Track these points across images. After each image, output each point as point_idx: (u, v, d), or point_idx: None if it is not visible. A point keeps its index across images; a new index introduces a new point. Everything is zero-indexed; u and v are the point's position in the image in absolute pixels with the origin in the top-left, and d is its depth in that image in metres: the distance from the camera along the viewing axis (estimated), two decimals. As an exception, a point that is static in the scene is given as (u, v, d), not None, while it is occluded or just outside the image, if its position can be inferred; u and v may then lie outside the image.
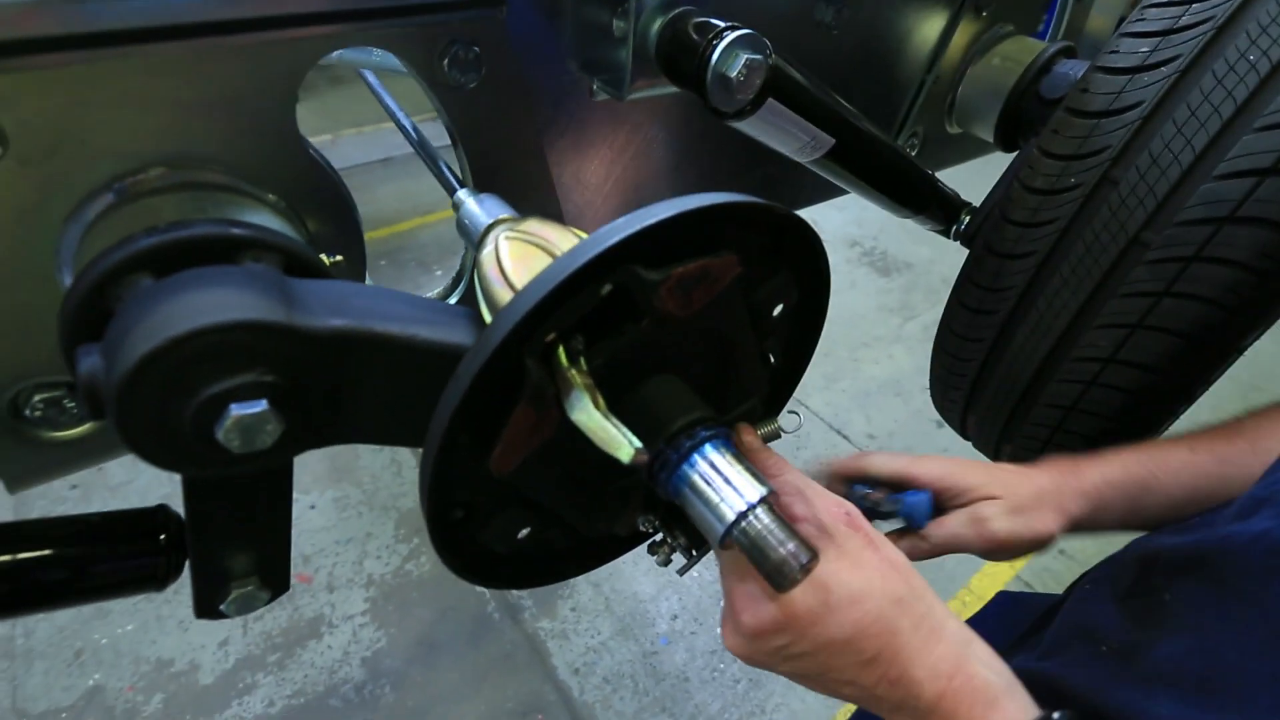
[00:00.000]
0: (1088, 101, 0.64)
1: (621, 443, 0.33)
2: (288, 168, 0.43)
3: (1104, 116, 0.63)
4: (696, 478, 0.38)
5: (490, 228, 0.42)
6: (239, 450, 0.33)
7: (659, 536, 0.51)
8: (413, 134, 0.55)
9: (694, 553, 0.49)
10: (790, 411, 0.56)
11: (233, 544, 0.42)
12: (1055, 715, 0.38)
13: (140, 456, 0.33)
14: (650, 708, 1.95)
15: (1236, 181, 0.56)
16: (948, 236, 0.87)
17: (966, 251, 0.81)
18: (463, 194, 0.46)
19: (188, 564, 0.44)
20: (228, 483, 0.39)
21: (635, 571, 2.29)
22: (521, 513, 0.44)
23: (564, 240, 0.39)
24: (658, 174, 0.69)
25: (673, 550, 0.51)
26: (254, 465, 0.36)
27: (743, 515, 0.36)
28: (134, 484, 2.42)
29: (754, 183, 0.82)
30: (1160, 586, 0.45)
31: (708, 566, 2.44)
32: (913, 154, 0.94)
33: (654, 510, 0.49)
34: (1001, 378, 0.78)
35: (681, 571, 0.50)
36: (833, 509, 0.40)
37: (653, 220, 0.33)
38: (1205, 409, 0.84)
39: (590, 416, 0.34)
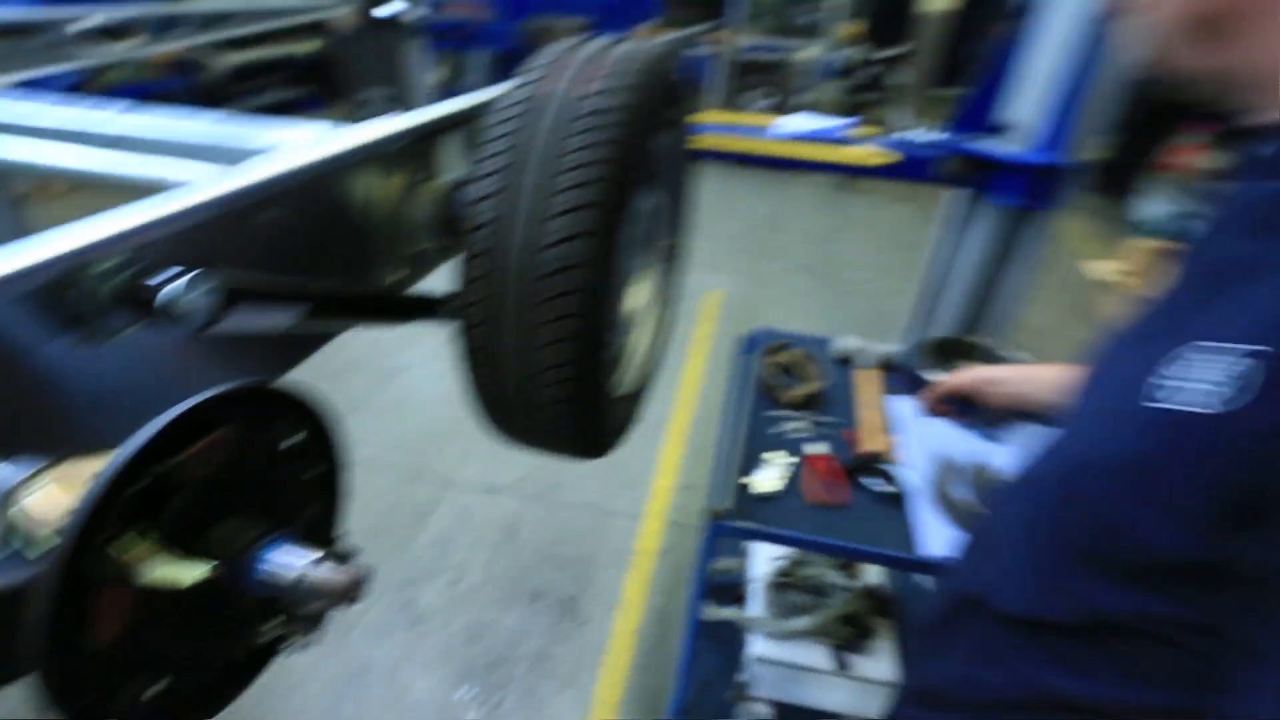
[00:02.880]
0: (472, 221, 0.99)
1: (192, 570, 0.48)
2: None
3: (482, 229, 0.99)
4: (270, 570, 0.56)
5: (14, 487, 0.51)
6: None
7: (283, 634, 0.66)
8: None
9: (314, 629, 0.65)
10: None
11: None
12: None
13: None
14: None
15: (550, 251, 0.96)
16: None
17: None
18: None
19: None
20: None
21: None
22: (152, 672, 0.54)
23: (86, 469, 0.51)
24: (179, 372, 0.81)
25: (301, 635, 0.66)
26: None
27: (300, 579, 0.55)
28: None
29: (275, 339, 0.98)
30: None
31: (431, 670, 2.45)
32: (403, 276, 1.21)
33: (271, 617, 0.64)
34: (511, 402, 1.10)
35: (311, 645, 0.66)
36: None
37: (134, 449, 0.48)
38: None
39: (162, 571, 0.48)
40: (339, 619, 2.59)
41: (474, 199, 1.01)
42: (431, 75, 9.03)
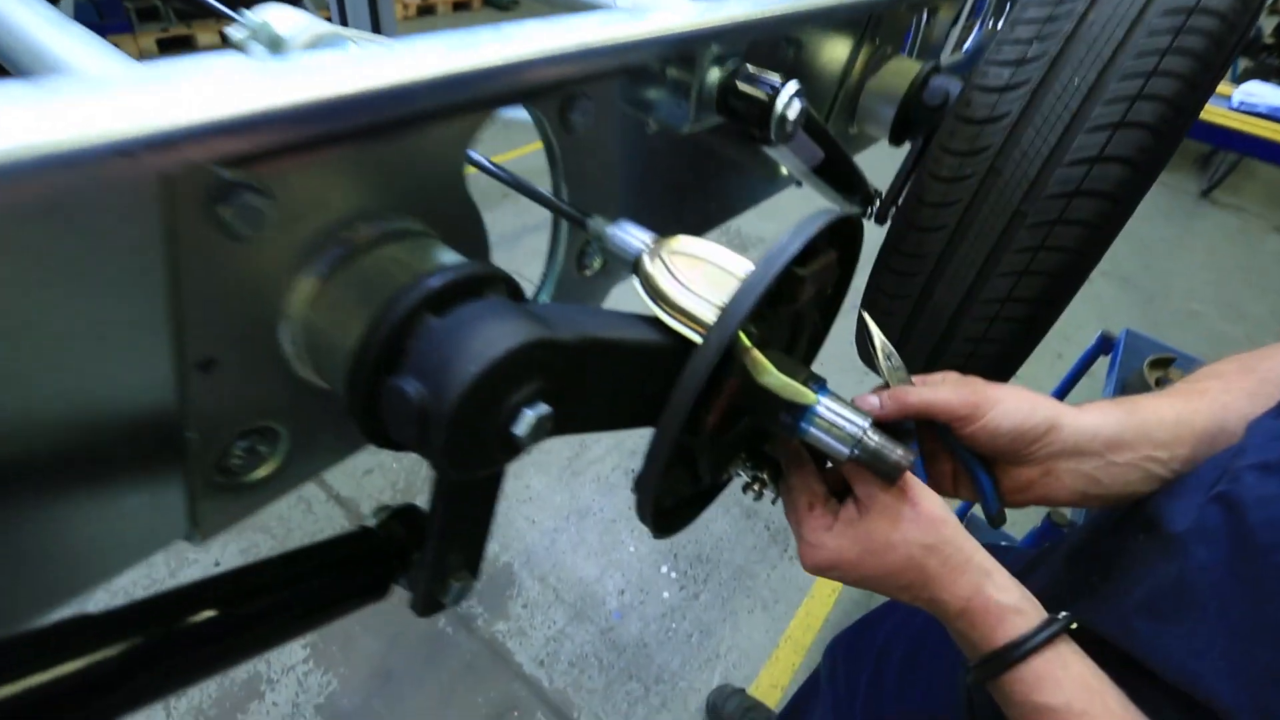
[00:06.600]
0: (973, 112, 0.86)
1: (805, 392, 0.46)
2: (454, 213, 0.50)
3: (986, 124, 0.85)
4: (823, 413, 0.52)
5: (648, 247, 0.52)
6: (527, 445, 0.42)
7: (749, 478, 0.65)
8: (528, 184, 0.63)
9: (778, 486, 0.63)
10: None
11: (459, 540, 0.49)
12: (1060, 616, 0.51)
13: (453, 464, 0.40)
14: (619, 679, 2.07)
15: (1078, 168, 0.80)
16: (865, 217, 1.08)
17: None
18: (597, 222, 0.55)
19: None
20: (474, 483, 0.46)
21: (575, 559, 2.39)
22: (678, 471, 0.55)
23: (716, 253, 0.50)
24: (664, 193, 0.82)
25: (764, 486, 0.65)
26: (509, 460, 0.44)
27: (863, 434, 0.51)
28: None
29: (711, 190, 0.97)
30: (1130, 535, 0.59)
31: (643, 540, 2.57)
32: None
33: (751, 457, 0.63)
34: (924, 324, 1.00)
35: (774, 501, 0.64)
36: None
37: (812, 233, 0.46)
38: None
39: (777, 378, 0.46)
40: (574, 458, 2.72)
41: (985, 84, 0.87)
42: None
